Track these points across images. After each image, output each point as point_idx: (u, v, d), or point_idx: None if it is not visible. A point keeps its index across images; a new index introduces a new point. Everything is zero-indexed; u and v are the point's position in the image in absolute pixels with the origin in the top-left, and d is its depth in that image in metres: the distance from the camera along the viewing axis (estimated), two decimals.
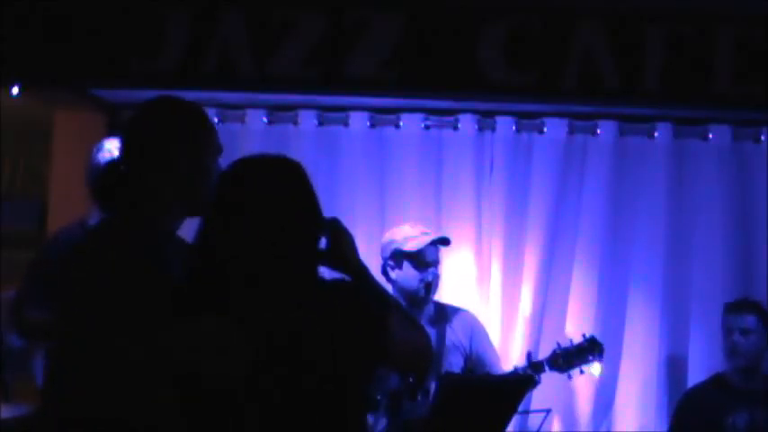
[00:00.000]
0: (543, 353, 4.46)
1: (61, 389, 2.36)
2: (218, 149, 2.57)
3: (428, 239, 4.29)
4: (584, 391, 4.94)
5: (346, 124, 5.12)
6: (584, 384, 4.87)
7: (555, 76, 4.74)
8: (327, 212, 2.39)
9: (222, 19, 4.78)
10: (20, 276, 3.78)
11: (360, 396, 2.36)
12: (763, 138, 5.03)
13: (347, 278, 2.39)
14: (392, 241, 4.32)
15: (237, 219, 2.28)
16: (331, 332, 2.23)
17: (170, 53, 4.76)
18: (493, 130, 5.09)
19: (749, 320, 4.54)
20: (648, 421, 4.95)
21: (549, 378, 4.32)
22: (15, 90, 4.87)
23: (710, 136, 5.04)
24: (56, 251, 3.53)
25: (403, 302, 4.17)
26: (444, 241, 4.37)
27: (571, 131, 5.07)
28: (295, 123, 5.12)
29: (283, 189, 2.31)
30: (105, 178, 2.57)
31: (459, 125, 5.08)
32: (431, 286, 4.28)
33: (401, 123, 5.10)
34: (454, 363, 4.27)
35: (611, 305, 5.02)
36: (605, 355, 4.39)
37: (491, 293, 5.02)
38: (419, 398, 4.09)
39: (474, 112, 5.06)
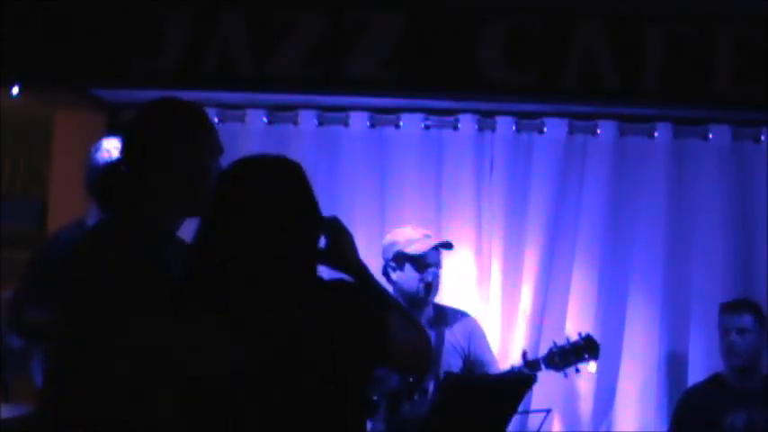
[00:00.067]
0: (542, 352, 4.46)
1: (61, 389, 2.37)
2: (219, 150, 2.57)
3: (431, 244, 4.29)
4: (585, 391, 4.94)
5: (346, 124, 5.12)
6: (584, 384, 4.88)
7: (555, 76, 4.74)
8: (327, 212, 2.39)
9: (222, 19, 4.78)
10: (20, 276, 3.77)
11: (360, 396, 2.36)
12: (763, 138, 5.03)
13: (347, 278, 2.39)
14: (394, 243, 4.31)
15: (237, 219, 2.28)
16: (331, 332, 2.23)
17: (170, 53, 4.76)
18: (493, 130, 5.09)
19: (746, 320, 4.54)
20: (648, 421, 4.95)
21: (549, 378, 4.32)
22: (15, 90, 4.87)
23: (710, 136, 5.04)
24: (55, 251, 3.52)
25: (403, 304, 4.16)
26: (447, 245, 4.37)
27: (571, 131, 5.07)
28: (295, 123, 5.12)
29: (283, 189, 2.31)
30: (105, 178, 2.58)
31: (459, 125, 5.07)
32: (431, 286, 4.27)
33: (401, 123, 5.10)
34: (453, 364, 4.26)
35: (611, 305, 5.02)
36: (605, 355, 4.39)
37: (491, 293, 5.02)
38: (416, 397, 4.08)
39: (474, 112, 5.06)
